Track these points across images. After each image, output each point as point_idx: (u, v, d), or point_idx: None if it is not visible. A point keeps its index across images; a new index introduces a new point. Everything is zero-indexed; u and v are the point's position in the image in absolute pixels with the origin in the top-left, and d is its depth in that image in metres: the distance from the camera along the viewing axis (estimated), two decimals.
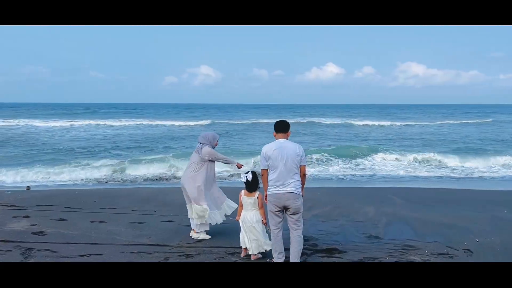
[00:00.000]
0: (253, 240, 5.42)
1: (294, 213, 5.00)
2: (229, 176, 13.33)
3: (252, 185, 5.52)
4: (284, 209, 5.01)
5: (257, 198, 5.47)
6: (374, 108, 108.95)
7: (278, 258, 5.11)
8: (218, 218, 6.24)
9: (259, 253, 5.47)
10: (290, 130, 5.21)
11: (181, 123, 39.67)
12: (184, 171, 6.56)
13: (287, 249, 5.12)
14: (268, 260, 5.35)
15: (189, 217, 6.31)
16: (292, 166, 4.92)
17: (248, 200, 5.49)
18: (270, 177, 4.99)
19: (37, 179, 13.06)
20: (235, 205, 6.25)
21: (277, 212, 5.04)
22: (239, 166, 6.40)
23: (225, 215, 6.35)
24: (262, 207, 5.46)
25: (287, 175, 4.91)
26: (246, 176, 5.55)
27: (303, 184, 5.08)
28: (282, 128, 5.14)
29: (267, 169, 5.03)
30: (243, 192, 5.58)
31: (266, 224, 5.43)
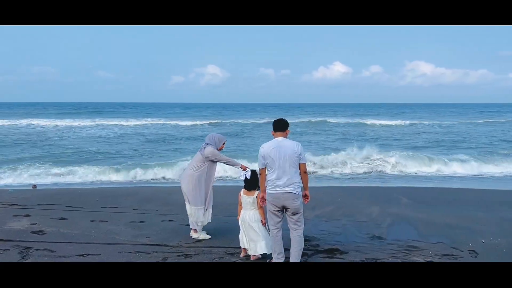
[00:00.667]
0: (252, 240, 5.34)
1: (293, 214, 4.90)
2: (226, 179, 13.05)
3: (251, 184, 5.46)
4: (283, 209, 4.92)
5: (256, 197, 5.39)
6: (383, 107, 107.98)
7: (277, 258, 5.02)
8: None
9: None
10: (289, 129, 5.13)
11: (190, 122, 39.48)
12: (184, 169, 6.50)
13: (287, 250, 5.03)
14: (267, 261, 5.27)
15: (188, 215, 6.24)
16: (291, 165, 4.82)
17: (247, 199, 5.42)
18: (268, 177, 4.90)
19: (44, 178, 13.08)
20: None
21: (276, 212, 4.95)
22: (244, 168, 5.87)
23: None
24: (262, 206, 5.37)
25: (285, 174, 4.81)
26: (245, 174, 5.48)
27: (306, 182, 4.98)
28: (280, 126, 5.05)
29: (265, 168, 4.94)
30: (242, 191, 5.52)
31: (265, 224, 5.34)
